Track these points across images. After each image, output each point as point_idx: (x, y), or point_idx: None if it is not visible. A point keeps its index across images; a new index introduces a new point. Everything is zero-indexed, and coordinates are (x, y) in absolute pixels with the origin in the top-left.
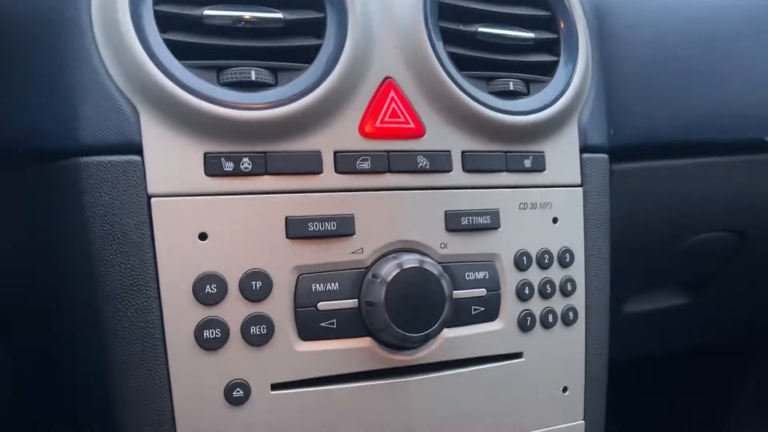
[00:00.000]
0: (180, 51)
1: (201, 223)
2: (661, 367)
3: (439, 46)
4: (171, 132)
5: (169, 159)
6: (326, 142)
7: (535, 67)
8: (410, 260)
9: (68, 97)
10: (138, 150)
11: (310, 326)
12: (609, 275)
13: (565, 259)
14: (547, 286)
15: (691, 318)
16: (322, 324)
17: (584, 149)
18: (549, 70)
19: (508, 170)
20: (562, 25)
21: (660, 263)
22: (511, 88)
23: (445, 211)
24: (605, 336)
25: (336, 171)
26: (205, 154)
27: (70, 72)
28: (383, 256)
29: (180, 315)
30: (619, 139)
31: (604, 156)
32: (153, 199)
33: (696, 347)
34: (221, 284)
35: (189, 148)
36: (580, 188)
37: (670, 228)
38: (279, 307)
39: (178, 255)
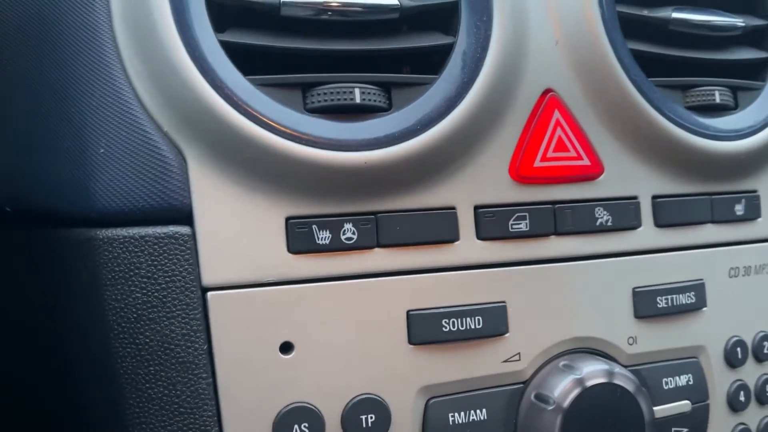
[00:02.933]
0: (246, 61)
1: (283, 328)
2: None
3: (620, 40)
4: (235, 188)
5: (234, 230)
6: (463, 193)
7: (743, 67)
8: (594, 372)
9: (76, 134)
10: (186, 218)
11: None
12: None
13: None
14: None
15: None
16: None
17: None
18: (758, 71)
19: (713, 221)
20: None
21: None
22: (717, 100)
23: (633, 289)
24: None
25: (479, 237)
26: (288, 220)
27: (77, 95)
28: (548, 363)
29: None
30: None
31: None
32: (209, 294)
33: None
34: (316, 421)
35: (263, 211)
36: None
37: None
38: None
39: (250, 378)
